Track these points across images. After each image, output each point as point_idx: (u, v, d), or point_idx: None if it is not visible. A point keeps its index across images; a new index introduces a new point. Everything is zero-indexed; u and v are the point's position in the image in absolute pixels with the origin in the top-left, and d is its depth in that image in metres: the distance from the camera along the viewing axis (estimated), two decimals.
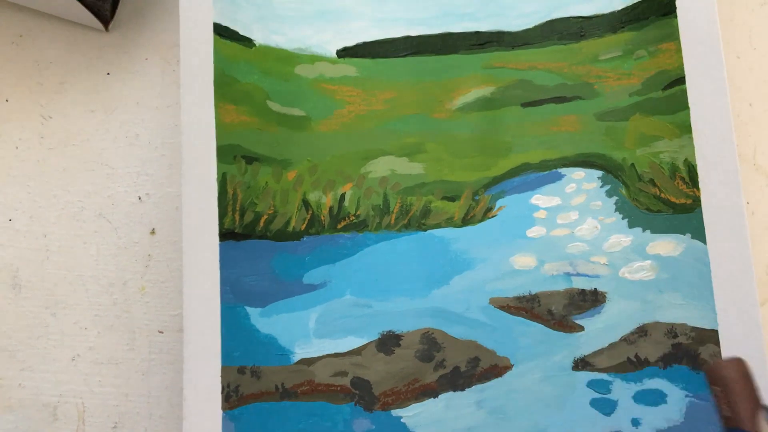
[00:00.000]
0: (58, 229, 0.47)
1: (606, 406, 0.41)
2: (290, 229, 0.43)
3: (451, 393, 0.42)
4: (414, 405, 0.41)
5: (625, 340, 0.41)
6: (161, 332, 0.46)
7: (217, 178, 0.41)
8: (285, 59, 0.44)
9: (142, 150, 0.47)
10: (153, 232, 0.47)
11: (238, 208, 0.42)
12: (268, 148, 0.43)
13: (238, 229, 0.42)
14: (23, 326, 0.46)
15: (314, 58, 0.44)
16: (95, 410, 0.45)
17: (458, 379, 0.42)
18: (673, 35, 0.43)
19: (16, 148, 0.48)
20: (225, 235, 0.41)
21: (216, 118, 0.41)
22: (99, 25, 0.48)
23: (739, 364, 0.34)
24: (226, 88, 0.42)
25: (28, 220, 0.47)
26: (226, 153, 0.42)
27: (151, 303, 0.46)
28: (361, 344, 0.42)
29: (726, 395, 0.34)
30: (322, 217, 0.43)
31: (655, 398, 0.40)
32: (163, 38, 0.48)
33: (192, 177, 0.41)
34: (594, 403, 0.41)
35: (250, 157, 0.42)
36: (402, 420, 0.41)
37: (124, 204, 0.47)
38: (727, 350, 0.40)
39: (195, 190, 0.41)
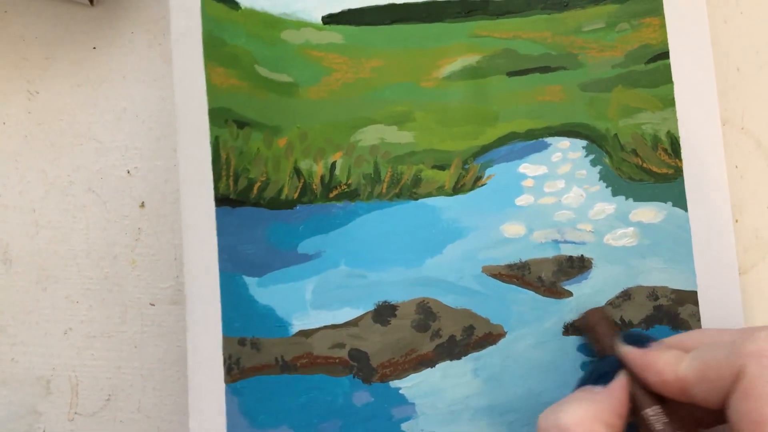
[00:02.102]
0: (47, 204, 0.47)
1: None
2: (283, 197, 0.43)
3: (447, 362, 0.42)
4: (412, 375, 0.42)
5: (611, 304, 0.42)
6: (153, 305, 0.46)
7: (210, 141, 0.41)
8: (271, 24, 0.43)
9: (129, 124, 0.47)
10: (142, 205, 0.47)
11: (231, 174, 0.42)
12: (258, 114, 0.43)
13: (233, 195, 0.42)
14: (15, 301, 0.46)
15: (300, 24, 0.44)
16: (88, 383, 0.46)
17: (454, 348, 0.42)
18: (657, 10, 0.43)
19: (4, 123, 0.48)
20: (220, 200, 0.41)
21: (206, 79, 0.41)
22: None
23: (598, 311, 0.41)
24: (214, 49, 0.42)
25: (17, 196, 0.47)
26: (217, 116, 0.42)
27: (142, 276, 0.46)
28: (357, 315, 0.42)
29: (593, 336, 0.40)
30: (314, 186, 0.43)
31: None
32: (149, 12, 0.48)
33: (186, 138, 0.41)
34: (584, 366, 0.42)
35: (241, 122, 0.42)
36: (401, 391, 0.42)
37: (112, 178, 0.47)
38: (706, 308, 0.42)
39: (190, 151, 0.41)
